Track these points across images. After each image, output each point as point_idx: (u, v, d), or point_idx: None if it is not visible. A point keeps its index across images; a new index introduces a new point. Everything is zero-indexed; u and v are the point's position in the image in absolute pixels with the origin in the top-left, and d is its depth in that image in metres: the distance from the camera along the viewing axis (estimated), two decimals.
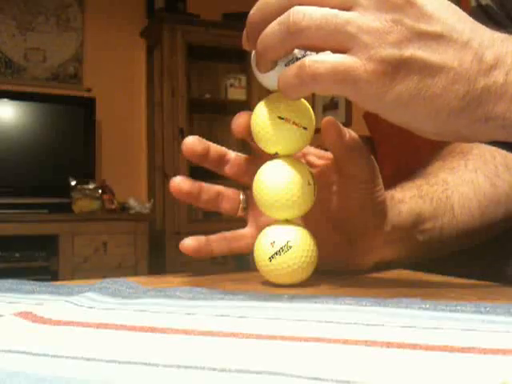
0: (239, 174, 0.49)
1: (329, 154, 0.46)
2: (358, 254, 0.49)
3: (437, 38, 0.34)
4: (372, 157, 0.44)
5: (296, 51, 0.42)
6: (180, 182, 0.47)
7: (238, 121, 0.45)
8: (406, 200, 0.49)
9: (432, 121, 0.36)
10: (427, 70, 0.34)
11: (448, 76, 0.34)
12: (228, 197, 0.50)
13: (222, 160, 0.49)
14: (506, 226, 0.57)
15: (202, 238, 0.48)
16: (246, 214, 0.50)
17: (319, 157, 0.48)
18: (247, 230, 0.51)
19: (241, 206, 0.49)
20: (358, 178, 0.44)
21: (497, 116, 0.34)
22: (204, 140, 0.47)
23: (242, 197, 0.50)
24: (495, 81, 0.34)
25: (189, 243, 0.47)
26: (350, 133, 0.43)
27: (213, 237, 0.49)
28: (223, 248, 0.49)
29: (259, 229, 0.45)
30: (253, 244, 0.45)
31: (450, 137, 0.40)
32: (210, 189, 0.49)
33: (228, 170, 0.49)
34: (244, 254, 0.50)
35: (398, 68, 0.33)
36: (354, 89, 0.34)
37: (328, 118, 0.42)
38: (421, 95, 0.34)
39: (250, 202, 0.50)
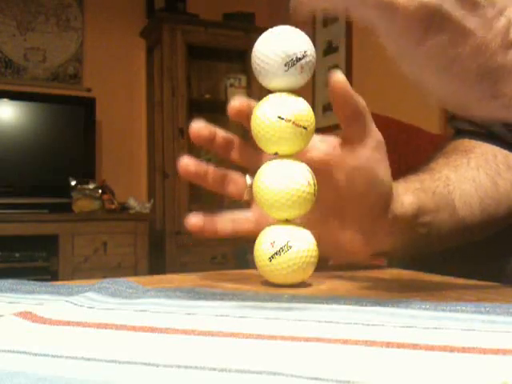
0: (245, 160, 0.50)
1: (331, 139, 0.46)
2: (359, 244, 0.48)
3: (475, 2, 0.33)
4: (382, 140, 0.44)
5: (296, 51, 0.42)
6: (188, 163, 0.47)
7: (234, 103, 0.45)
8: (409, 192, 0.49)
9: (445, 85, 0.35)
10: (458, 32, 0.33)
11: (474, 44, 0.33)
12: (234, 180, 0.50)
13: (228, 145, 0.49)
14: (507, 223, 0.57)
15: (207, 217, 0.48)
16: (251, 198, 0.51)
17: (321, 140, 0.47)
18: (251, 215, 0.51)
19: (246, 189, 0.50)
20: (363, 153, 0.43)
21: (504, 94, 0.34)
22: (211, 125, 0.48)
23: (248, 181, 0.50)
24: (511, 59, 0.33)
25: (194, 221, 0.47)
26: (358, 100, 0.42)
27: (218, 217, 0.49)
28: (227, 229, 0.49)
29: (262, 214, 0.45)
30: (255, 229, 0.46)
31: (454, 106, 0.40)
32: (217, 171, 0.49)
33: (234, 155, 0.49)
34: (247, 238, 0.50)
35: (432, 20, 0.32)
36: (387, 21, 0.33)
37: (337, 78, 0.41)
38: (445, 57, 0.33)
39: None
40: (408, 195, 0.48)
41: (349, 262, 0.50)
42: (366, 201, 0.45)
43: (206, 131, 0.47)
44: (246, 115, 0.45)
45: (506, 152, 0.58)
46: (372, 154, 0.43)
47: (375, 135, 0.44)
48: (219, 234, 0.49)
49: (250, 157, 0.49)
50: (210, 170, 0.49)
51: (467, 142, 0.60)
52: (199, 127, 0.47)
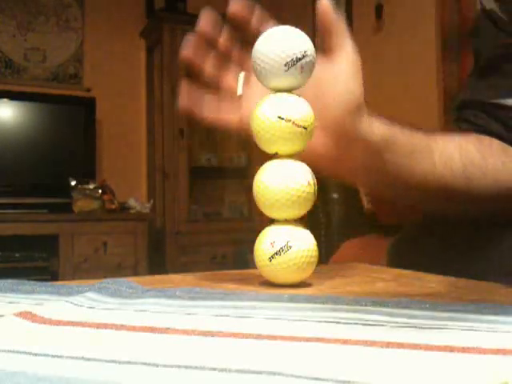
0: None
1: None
2: (329, 150, 0.51)
3: None
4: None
5: (296, 51, 0.42)
6: (192, 41, 0.51)
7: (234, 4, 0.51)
8: (383, 123, 0.51)
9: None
10: None
11: None
12: (233, 72, 0.53)
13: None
14: (496, 207, 0.57)
15: (195, 94, 0.51)
16: (243, 97, 0.52)
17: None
18: (238, 109, 0.52)
19: (239, 84, 0.52)
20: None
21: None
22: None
23: (240, 77, 0.52)
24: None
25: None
26: (337, 18, 0.48)
27: (206, 98, 0.52)
28: (212, 113, 0.51)
29: (248, 114, 0.46)
30: (238, 124, 0.49)
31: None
32: (219, 56, 0.52)
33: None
34: (226, 129, 0.53)
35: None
36: None
37: (323, 1, 0.48)
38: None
39: (248, 80, 0.52)
40: (380, 123, 0.51)
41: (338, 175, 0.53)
42: (337, 107, 0.48)
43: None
44: (245, 19, 0.50)
45: (504, 144, 0.58)
46: (346, 66, 0.48)
47: (350, 53, 0.49)
48: (205, 118, 0.51)
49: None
50: (212, 54, 0.52)
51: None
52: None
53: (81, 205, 2.85)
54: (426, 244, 0.64)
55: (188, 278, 0.49)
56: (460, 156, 0.55)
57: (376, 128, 0.50)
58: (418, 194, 0.56)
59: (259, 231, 0.45)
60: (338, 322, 0.29)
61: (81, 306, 0.32)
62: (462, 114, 0.63)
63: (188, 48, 0.50)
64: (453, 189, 0.54)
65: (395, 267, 0.58)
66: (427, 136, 0.55)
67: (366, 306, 0.33)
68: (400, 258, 0.66)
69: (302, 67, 0.42)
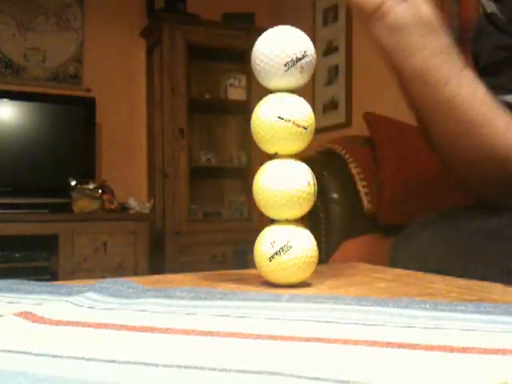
0: None
1: None
2: None
3: None
4: None
5: (296, 51, 0.42)
6: None
7: None
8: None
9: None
10: None
11: None
12: None
13: None
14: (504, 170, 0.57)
15: None
16: None
17: None
18: None
19: None
20: None
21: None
22: None
23: None
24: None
25: None
26: None
27: None
28: None
29: None
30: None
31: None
32: None
33: None
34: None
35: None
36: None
37: None
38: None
39: None
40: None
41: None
42: None
43: None
44: None
45: None
46: None
47: None
48: None
49: None
50: None
51: None
52: None
53: (81, 205, 2.85)
54: (428, 243, 0.64)
55: (188, 277, 0.49)
56: (474, 96, 0.55)
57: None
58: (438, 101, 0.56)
59: (259, 231, 0.45)
60: (338, 322, 0.29)
61: (81, 306, 0.32)
62: None
63: None
64: (469, 114, 0.55)
65: (397, 266, 0.58)
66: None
67: (365, 305, 0.33)
68: (402, 257, 0.66)
69: (301, 67, 0.42)
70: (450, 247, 0.59)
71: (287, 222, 0.44)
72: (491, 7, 0.63)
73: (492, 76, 0.62)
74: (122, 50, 3.37)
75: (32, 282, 0.41)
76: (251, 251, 0.45)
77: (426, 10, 0.52)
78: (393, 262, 0.66)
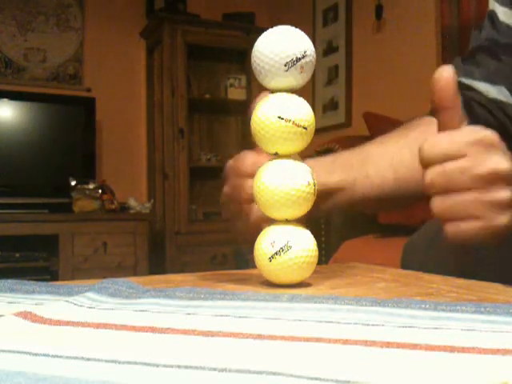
0: None
1: None
2: None
3: None
4: None
5: (296, 51, 0.42)
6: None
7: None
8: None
9: None
10: None
11: None
12: None
13: None
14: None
15: None
16: None
17: None
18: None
19: None
20: None
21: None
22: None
23: None
24: None
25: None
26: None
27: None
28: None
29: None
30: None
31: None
32: None
33: None
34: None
35: None
36: None
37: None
38: None
39: None
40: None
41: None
42: None
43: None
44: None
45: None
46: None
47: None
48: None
49: None
50: None
51: (427, 120, 0.62)
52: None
53: (81, 205, 2.85)
54: (448, 246, 0.64)
55: (188, 277, 0.49)
56: (390, 165, 0.60)
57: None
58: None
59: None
60: (338, 322, 0.29)
61: (81, 306, 0.32)
62: None
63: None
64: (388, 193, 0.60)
65: (410, 266, 0.58)
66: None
67: (365, 305, 0.33)
68: (415, 257, 0.65)
69: (301, 67, 0.42)
70: (463, 247, 0.59)
71: (287, 222, 0.44)
72: (492, 5, 0.64)
73: (467, 64, 0.63)
74: (122, 50, 3.37)
75: (32, 282, 0.41)
76: (251, 251, 0.45)
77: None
78: (406, 261, 0.66)
